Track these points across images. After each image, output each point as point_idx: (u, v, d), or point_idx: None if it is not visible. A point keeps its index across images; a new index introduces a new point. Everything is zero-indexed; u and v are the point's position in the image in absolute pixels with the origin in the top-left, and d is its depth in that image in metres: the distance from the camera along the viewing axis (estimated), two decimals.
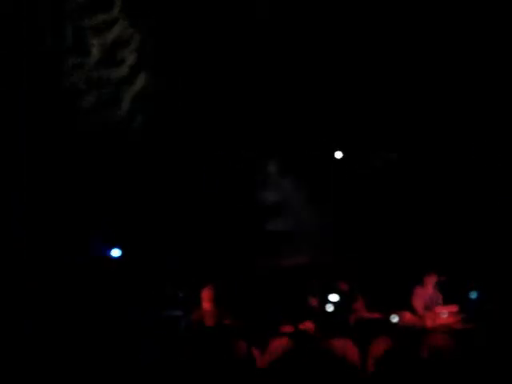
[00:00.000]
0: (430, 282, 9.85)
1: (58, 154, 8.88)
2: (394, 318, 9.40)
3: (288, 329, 9.37)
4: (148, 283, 9.23)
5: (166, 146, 9.58)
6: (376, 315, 9.55)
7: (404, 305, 9.76)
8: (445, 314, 9.40)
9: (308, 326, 9.44)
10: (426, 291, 9.85)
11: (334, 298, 9.90)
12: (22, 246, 8.26)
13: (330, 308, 9.79)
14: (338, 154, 11.00)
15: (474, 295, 9.65)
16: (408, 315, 9.57)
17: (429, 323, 9.42)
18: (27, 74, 8.54)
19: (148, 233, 9.49)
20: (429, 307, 9.75)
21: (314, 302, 10.04)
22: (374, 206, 11.06)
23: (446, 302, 9.75)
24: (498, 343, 8.50)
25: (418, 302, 9.83)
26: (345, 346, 9.04)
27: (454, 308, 9.52)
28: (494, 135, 10.28)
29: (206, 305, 9.18)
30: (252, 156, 10.75)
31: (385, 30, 9.67)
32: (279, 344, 9.05)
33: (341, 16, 9.53)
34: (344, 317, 9.68)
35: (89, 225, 9.14)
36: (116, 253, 9.12)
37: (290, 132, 10.12)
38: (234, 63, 9.63)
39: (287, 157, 11.13)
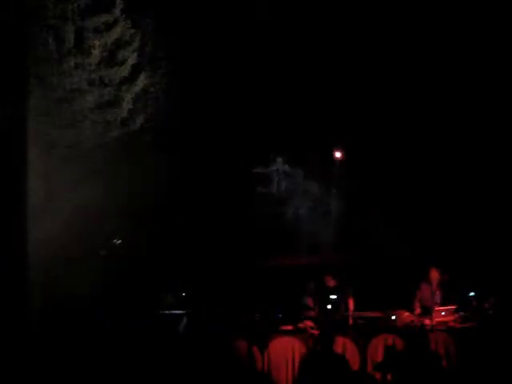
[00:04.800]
0: (434, 279, 9.91)
1: (59, 153, 8.91)
2: (393, 317, 9.44)
3: (288, 328, 9.41)
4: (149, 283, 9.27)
5: (167, 146, 9.62)
6: (375, 314, 9.60)
7: (402, 304, 9.81)
8: (443, 313, 9.44)
9: (307, 325, 9.49)
10: (431, 288, 9.93)
11: (332, 297, 9.94)
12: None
13: (328, 306, 9.84)
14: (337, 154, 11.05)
15: (472, 294, 9.68)
16: (406, 314, 9.62)
17: (428, 321, 9.47)
18: (28, 74, 8.55)
19: (148, 232, 9.53)
20: (429, 306, 9.82)
21: (310, 302, 10.08)
22: (376, 206, 11.10)
23: (446, 301, 9.80)
24: (497, 342, 8.57)
25: (419, 300, 9.93)
26: (344, 345, 9.11)
27: (452, 307, 9.57)
28: (494, 137, 10.33)
29: None
30: (252, 156, 10.81)
31: (383, 32, 9.72)
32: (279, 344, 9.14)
33: (340, 18, 9.56)
34: (342, 316, 9.72)
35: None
36: None
37: (289, 132, 10.16)
38: (235, 63, 9.66)
39: (287, 157, 11.18)
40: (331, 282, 10.13)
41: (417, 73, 9.83)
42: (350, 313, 9.81)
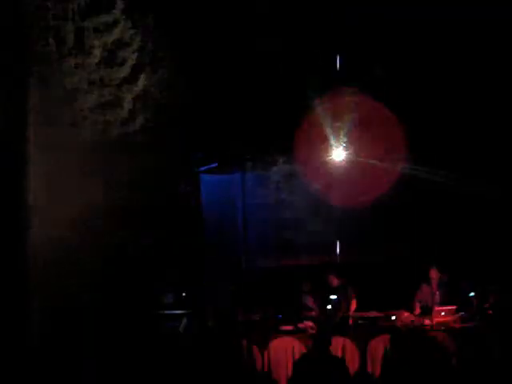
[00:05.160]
0: (434, 279, 9.93)
1: (59, 154, 8.88)
2: (393, 317, 9.46)
3: (288, 328, 9.43)
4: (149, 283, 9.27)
5: (167, 146, 9.59)
6: (375, 315, 9.62)
7: (402, 304, 9.82)
8: (443, 313, 9.46)
9: (307, 325, 9.52)
10: (431, 288, 9.94)
11: (333, 297, 9.97)
12: None
13: (328, 306, 9.86)
14: None
15: (472, 294, 9.70)
16: (406, 314, 9.64)
17: (427, 322, 9.49)
18: (28, 74, 8.53)
19: (147, 233, 9.50)
20: (429, 306, 9.83)
21: (311, 301, 10.09)
22: (377, 206, 11.10)
23: (446, 301, 9.82)
24: (497, 342, 8.59)
25: (419, 301, 9.96)
26: (344, 345, 9.14)
27: (452, 307, 9.59)
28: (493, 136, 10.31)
29: None
30: (252, 156, 10.80)
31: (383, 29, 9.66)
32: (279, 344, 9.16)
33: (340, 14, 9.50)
34: (342, 316, 9.75)
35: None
36: None
37: (290, 132, 10.13)
38: (235, 61, 9.61)
39: (287, 157, 11.17)
40: (335, 282, 10.16)
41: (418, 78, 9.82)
42: (351, 313, 9.84)
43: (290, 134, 10.14)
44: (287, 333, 9.29)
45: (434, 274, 9.95)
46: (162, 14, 8.82)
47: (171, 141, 9.41)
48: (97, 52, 8.62)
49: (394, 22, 9.56)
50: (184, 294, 9.64)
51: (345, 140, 10.47)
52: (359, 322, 9.54)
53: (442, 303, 9.82)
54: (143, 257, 9.23)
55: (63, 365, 7.85)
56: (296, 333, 9.32)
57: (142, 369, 8.36)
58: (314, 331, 9.21)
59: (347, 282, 10.21)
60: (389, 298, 9.87)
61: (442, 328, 9.25)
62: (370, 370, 9.07)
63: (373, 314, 9.63)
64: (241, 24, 9.36)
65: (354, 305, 10.06)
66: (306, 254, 11.21)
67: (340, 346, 9.05)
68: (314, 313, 9.95)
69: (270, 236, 11.23)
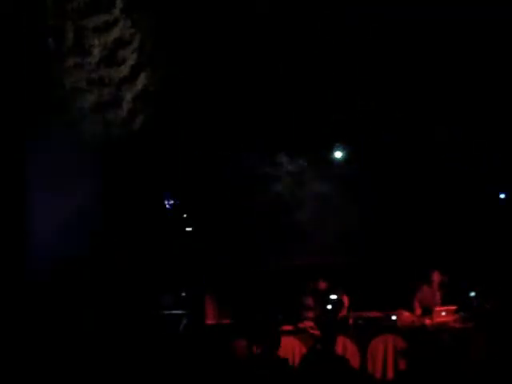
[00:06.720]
0: (436, 280, 9.93)
1: (59, 153, 8.87)
2: (393, 317, 9.45)
3: (288, 328, 9.42)
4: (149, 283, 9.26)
5: (167, 146, 9.59)
6: (375, 315, 9.61)
7: (403, 304, 9.81)
8: (444, 313, 9.45)
9: (307, 325, 9.51)
10: (431, 290, 9.94)
11: (333, 297, 9.95)
12: None
13: (329, 307, 9.85)
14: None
15: (473, 294, 9.69)
16: (406, 314, 9.63)
17: (428, 322, 9.48)
18: (28, 73, 8.52)
19: (148, 233, 9.50)
20: (430, 306, 9.82)
21: (311, 302, 10.08)
22: (378, 207, 11.10)
23: (446, 301, 9.81)
24: (497, 342, 8.58)
25: (419, 301, 9.95)
26: (345, 345, 9.13)
27: (452, 307, 9.58)
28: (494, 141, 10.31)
29: None
30: (252, 155, 10.78)
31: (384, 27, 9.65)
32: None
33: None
34: (342, 316, 9.74)
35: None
36: None
37: (294, 131, 10.12)
38: (235, 61, 9.60)
39: (289, 154, 11.17)
40: (322, 285, 10.17)
41: (418, 74, 9.79)
42: (346, 305, 9.85)
43: (291, 133, 10.14)
44: (287, 333, 9.28)
45: (436, 276, 9.93)
46: (162, 13, 8.82)
47: (171, 141, 9.45)
48: (96, 51, 8.63)
49: (393, 22, 9.53)
50: (184, 294, 9.63)
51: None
52: (359, 322, 9.53)
53: (443, 303, 9.80)
54: (143, 257, 9.24)
55: (63, 365, 7.85)
56: (296, 333, 9.32)
57: (142, 369, 8.35)
58: (314, 331, 9.21)
59: (336, 284, 10.20)
60: (389, 298, 9.87)
61: (443, 328, 9.24)
62: (370, 369, 9.06)
63: (373, 313, 9.62)
64: (241, 23, 9.35)
65: (346, 301, 10.03)
66: (306, 254, 11.21)
67: (340, 345, 9.04)
68: (313, 313, 9.93)
69: (270, 236, 11.22)
